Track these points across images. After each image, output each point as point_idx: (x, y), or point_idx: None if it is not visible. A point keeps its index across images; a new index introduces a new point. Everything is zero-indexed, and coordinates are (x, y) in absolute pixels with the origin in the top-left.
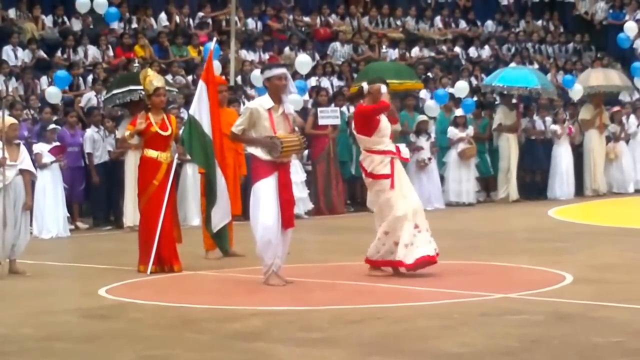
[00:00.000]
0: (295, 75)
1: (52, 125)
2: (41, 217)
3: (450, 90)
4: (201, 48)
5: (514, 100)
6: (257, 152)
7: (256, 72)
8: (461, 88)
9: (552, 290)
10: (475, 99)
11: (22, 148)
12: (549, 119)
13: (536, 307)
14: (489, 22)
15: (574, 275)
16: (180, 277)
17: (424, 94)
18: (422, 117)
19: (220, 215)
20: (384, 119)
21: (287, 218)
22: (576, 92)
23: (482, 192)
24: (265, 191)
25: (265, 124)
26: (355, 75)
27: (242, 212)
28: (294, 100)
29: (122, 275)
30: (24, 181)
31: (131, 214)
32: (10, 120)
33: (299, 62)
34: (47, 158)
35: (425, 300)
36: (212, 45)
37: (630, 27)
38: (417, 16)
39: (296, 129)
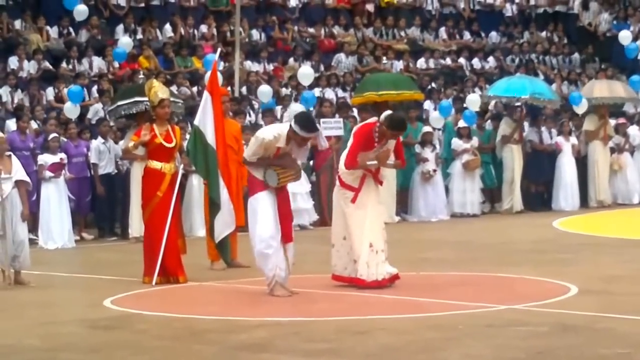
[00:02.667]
0: (299, 86)
1: (53, 134)
2: (46, 228)
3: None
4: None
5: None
6: (256, 173)
7: (263, 88)
8: (473, 101)
9: (557, 302)
10: (477, 109)
11: (14, 159)
12: (554, 130)
13: (541, 318)
14: (493, 34)
15: (579, 286)
16: (185, 288)
17: (427, 105)
18: (427, 129)
19: (222, 226)
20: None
21: (286, 232)
22: (581, 107)
23: (487, 203)
24: (262, 203)
25: (270, 152)
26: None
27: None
28: (295, 111)
29: (128, 286)
30: (20, 192)
31: (137, 224)
32: None
33: (302, 73)
34: (47, 174)
35: (430, 311)
36: (215, 56)
37: (624, 36)
38: (421, 27)
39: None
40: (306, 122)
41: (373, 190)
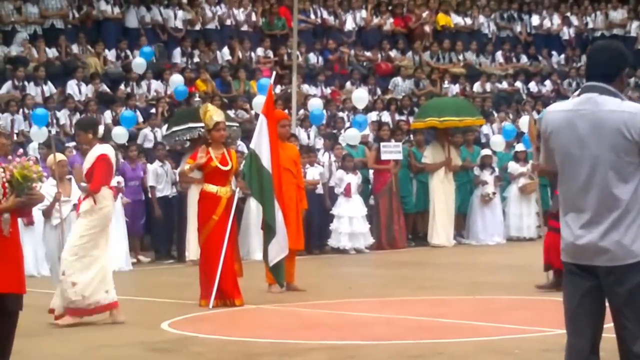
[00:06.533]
0: (356, 109)
1: None
2: None
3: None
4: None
5: None
6: None
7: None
8: (525, 123)
9: None
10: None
11: (74, 183)
12: None
13: None
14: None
15: None
16: (241, 311)
17: (485, 129)
18: (486, 152)
19: (277, 250)
20: None
21: None
22: None
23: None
24: None
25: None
26: (416, 110)
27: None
28: (351, 135)
29: (184, 309)
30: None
31: (194, 247)
32: (59, 156)
33: (356, 97)
34: None
35: (487, 335)
36: (270, 80)
37: None
38: (478, 51)
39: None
40: None
41: None
